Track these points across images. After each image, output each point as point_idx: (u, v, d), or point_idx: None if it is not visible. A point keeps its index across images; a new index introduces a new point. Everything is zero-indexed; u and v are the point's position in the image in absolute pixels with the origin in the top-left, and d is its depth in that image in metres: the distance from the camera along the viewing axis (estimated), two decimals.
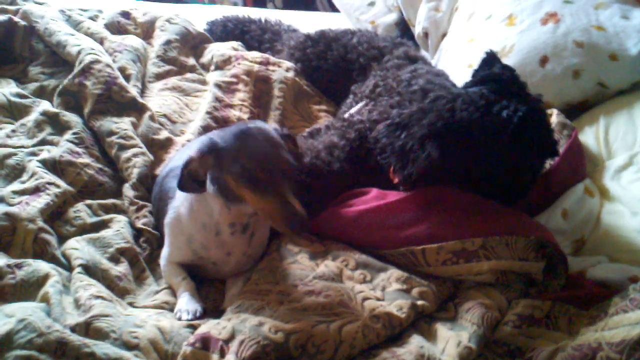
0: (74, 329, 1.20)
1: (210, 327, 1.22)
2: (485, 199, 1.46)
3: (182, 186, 1.32)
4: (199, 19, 2.54)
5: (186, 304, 1.37)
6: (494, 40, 1.94)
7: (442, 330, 1.31)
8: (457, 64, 2.06)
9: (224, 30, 2.42)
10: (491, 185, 1.45)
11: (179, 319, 1.34)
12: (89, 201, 1.64)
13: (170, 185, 1.51)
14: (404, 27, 2.50)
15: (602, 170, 1.69)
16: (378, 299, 1.33)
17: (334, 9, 3.40)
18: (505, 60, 1.84)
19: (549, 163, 1.60)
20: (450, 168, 1.44)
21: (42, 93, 2.03)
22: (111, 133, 1.79)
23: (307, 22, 2.49)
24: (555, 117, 1.73)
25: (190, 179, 1.32)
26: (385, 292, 1.36)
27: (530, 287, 1.41)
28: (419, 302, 1.34)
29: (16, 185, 1.60)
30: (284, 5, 3.72)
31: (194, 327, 1.28)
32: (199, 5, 3.23)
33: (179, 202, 1.44)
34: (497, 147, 1.39)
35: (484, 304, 1.33)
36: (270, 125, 1.32)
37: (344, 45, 2.12)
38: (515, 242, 1.37)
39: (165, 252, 1.50)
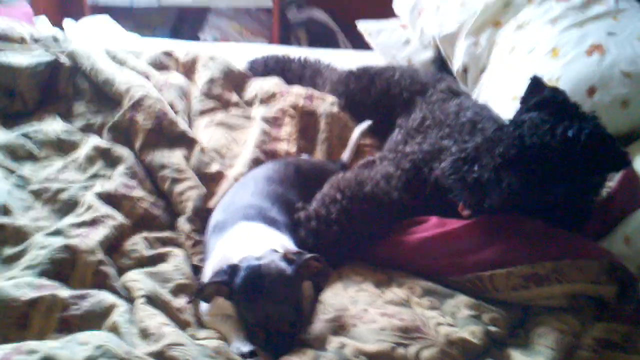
0: None
1: (293, 355, 1.19)
2: (550, 224, 1.45)
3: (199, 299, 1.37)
4: (233, 58, 2.57)
5: (242, 340, 1.34)
6: (537, 72, 1.95)
7: (517, 356, 1.28)
8: (500, 96, 2.07)
9: (265, 69, 2.44)
10: (562, 209, 1.44)
11: (240, 353, 1.30)
12: (145, 234, 1.63)
13: (210, 243, 1.55)
14: (440, 64, 2.52)
15: None
16: (450, 325, 1.31)
17: (355, 46, 3.47)
18: None
19: (607, 188, 1.59)
20: (527, 196, 1.42)
21: (88, 130, 2.04)
22: (163, 167, 1.79)
23: (333, 60, 2.52)
24: None
25: (203, 300, 1.38)
26: (456, 318, 1.34)
27: (603, 312, 1.37)
28: (492, 329, 1.32)
29: (73, 219, 1.59)
30: (309, 44, 3.78)
31: None
32: (228, 44, 3.28)
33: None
34: (570, 168, 1.38)
35: (558, 329, 1.30)
36: (281, 263, 1.32)
37: (386, 80, 2.14)
38: (588, 265, 1.35)
39: (204, 306, 1.46)
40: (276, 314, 1.29)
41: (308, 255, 1.35)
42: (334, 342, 1.20)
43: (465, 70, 2.36)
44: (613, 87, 1.85)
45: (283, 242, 1.45)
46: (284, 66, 2.45)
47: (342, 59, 2.62)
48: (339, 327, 1.28)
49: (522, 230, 1.44)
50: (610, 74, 1.87)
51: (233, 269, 1.32)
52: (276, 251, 1.36)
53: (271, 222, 1.52)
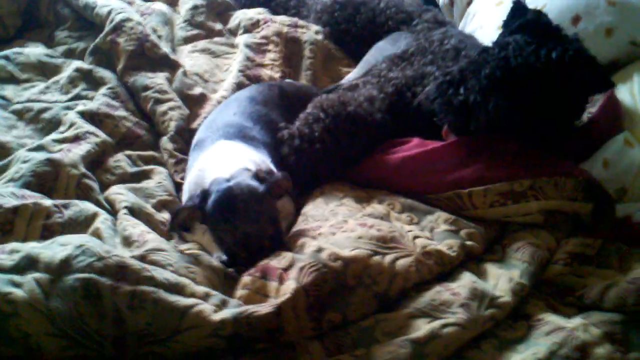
0: None
1: (271, 259, 1.22)
2: (530, 145, 1.47)
3: (171, 228, 1.35)
4: None
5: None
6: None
7: (492, 269, 1.31)
8: (485, 27, 2.06)
9: (251, 1, 2.41)
10: (544, 130, 1.45)
11: (222, 261, 1.33)
12: (128, 152, 1.64)
13: (190, 160, 1.57)
14: None
15: (639, 123, 1.69)
16: (428, 238, 1.33)
17: None
18: None
19: (587, 113, 1.61)
20: (513, 117, 1.43)
21: (70, 55, 2.05)
22: (146, 88, 1.79)
23: None
24: None
25: (179, 226, 1.35)
26: (433, 232, 1.36)
27: (578, 229, 1.40)
28: (468, 243, 1.34)
29: (55, 135, 1.60)
30: None
31: None
32: None
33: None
34: (554, 88, 1.39)
35: (534, 244, 1.33)
36: (252, 182, 1.32)
37: (372, 9, 2.13)
38: (564, 182, 1.37)
39: None
40: (254, 231, 1.29)
41: (279, 174, 1.36)
42: (312, 245, 1.22)
43: (451, 2, 2.35)
44: (598, 15, 1.85)
45: (258, 161, 1.46)
46: None
47: None
48: (318, 234, 1.30)
49: (501, 150, 1.45)
50: (595, 2, 1.86)
51: (204, 193, 1.32)
52: (248, 170, 1.35)
53: (251, 140, 1.53)
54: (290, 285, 1.12)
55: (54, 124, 1.67)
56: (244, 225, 1.28)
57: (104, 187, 1.52)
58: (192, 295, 1.12)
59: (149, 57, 1.88)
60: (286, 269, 1.17)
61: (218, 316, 1.07)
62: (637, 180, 1.57)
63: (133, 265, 1.10)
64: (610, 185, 1.56)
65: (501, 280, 1.27)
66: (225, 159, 1.42)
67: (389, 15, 2.08)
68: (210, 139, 1.52)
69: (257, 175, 1.34)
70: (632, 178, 1.58)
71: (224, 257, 1.32)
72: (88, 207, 1.36)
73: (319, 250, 1.20)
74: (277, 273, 1.17)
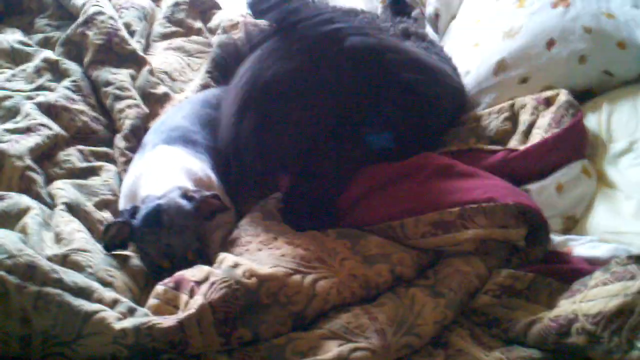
0: (50, 259, 1.19)
1: (190, 270, 1.22)
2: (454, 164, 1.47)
3: (107, 247, 1.34)
4: None
5: None
6: (502, 20, 1.92)
7: (420, 295, 1.28)
8: (462, 43, 2.04)
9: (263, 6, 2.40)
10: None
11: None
12: (80, 146, 1.64)
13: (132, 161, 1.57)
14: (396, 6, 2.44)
15: (602, 154, 1.66)
16: (356, 261, 1.31)
17: None
18: (512, 41, 1.84)
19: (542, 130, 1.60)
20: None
21: (46, 44, 2.07)
22: (108, 83, 1.80)
23: None
24: (563, 96, 1.69)
25: (112, 243, 1.34)
26: (364, 257, 1.34)
27: (513, 254, 1.38)
28: (398, 268, 1.32)
29: (9, 125, 1.61)
30: None
31: None
32: None
33: None
34: None
35: (462, 271, 1.31)
36: (180, 199, 1.33)
37: None
38: (493, 209, 1.33)
39: None
40: (178, 243, 1.30)
41: (207, 193, 1.36)
42: (229, 261, 1.22)
43: (437, 16, 2.32)
44: (572, 42, 1.81)
45: (196, 169, 1.47)
46: (282, 2, 2.41)
47: None
48: (246, 250, 1.29)
49: (429, 180, 1.44)
50: (571, 28, 1.82)
51: (134, 209, 1.33)
52: (179, 188, 1.36)
53: (193, 145, 1.52)
54: (197, 301, 1.12)
55: (13, 113, 1.68)
56: (168, 237, 1.29)
57: (51, 180, 1.53)
58: (99, 301, 1.12)
59: (116, 52, 1.89)
60: (199, 283, 1.17)
61: (120, 325, 1.07)
62: (587, 212, 1.55)
63: (42, 266, 1.10)
64: (561, 211, 1.54)
65: (426, 307, 1.24)
66: (160, 171, 1.43)
67: None
68: (152, 143, 1.52)
69: (185, 194, 1.35)
70: (583, 208, 1.56)
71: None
72: (22, 200, 1.37)
73: (235, 266, 1.19)
74: (189, 286, 1.17)
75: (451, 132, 1.76)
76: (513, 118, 1.72)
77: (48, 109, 1.67)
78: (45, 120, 1.63)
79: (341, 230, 1.41)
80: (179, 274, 1.21)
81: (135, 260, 1.33)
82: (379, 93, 1.56)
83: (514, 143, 1.65)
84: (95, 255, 1.25)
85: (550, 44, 1.83)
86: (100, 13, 1.94)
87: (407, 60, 1.69)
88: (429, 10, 2.35)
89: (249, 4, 2.41)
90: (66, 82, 1.79)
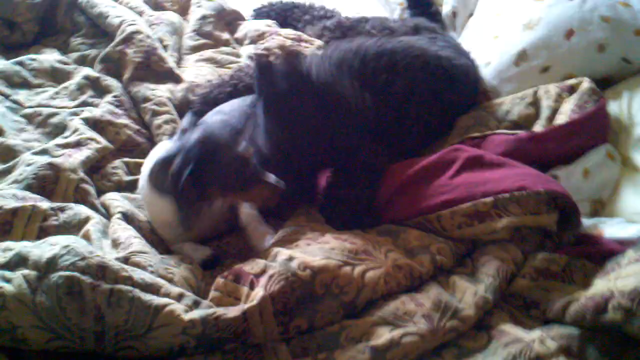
0: None
1: (246, 263, 1.30)
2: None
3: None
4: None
5: (194, 250, 1.47)
6: (520, 13, 1.98)
7: (460, 282, 1.35)
8: (482, 36, 2.10)
9: (269, 17, 2.48)
10: None
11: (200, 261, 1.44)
12: (126, 159, 1.73)
13: None
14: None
15: (625, 140, 1.72)
16: (400, 254, 1.39)
17: None
18: (532, 33, 1.90)
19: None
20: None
21: (83, 62, 2.15)
22: (146, 99, 1.88)
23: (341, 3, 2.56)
24: (586, 84, 1.75)
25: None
26: (406, 249, 1.41)
27: (546, 239, 1.43)
28: (438, 257, 1.39)
29: (59, 140, 1.70)
30: None
31: None
32: None
33: None
34: None
35: (500, 257, 1.37)
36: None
37: (358, 32, 2.19)
38: (525, 197, 1.39)
39: None
40: (240, 166, 1.42)
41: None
42: (284, 254, 1.29)
43: (454, 14, 2.39)
44: (591, 31, 1.87)
45: None
46: (287, 14, 2.50)
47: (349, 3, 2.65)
48: (295, 245, 1.37)
49: (460, 172, 1.50)
50: (589, 18, 1.88)
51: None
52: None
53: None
54: (258, 293, 1.20)
55: (60, 128, 1.78)
56: (233, 169, 1.42)
57: (100, 193, 1.62)
58: (167, 295, 1.20)
59: (154, 69, 1.98)
60: (258, 276, 1.25)
61: (188, 316, 1.15)
62: (614, 195, 1.60)
63: (113, 265, 1.18)
64: (588, 196, 1.60)
65: (467, 293, 1.31)
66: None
67: (373, 34, 2.13)
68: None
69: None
70: (610, 192, 1.61)
71: (209, 253, 1.42)
72: (82, 210, 1.45)
73: (290, 259, 1.27)
74: (249, 278, 1.24)
75: (472, 116, 1.82)
76: (536, 104, 1.78)
77: (94, 124, 1.77)
78: (93, 134, 1.72)
79: (380, 228, 1.49)
80: (237, 267, 1.29)
81: (187, 261, 1.41)
82: (412, 92, 1.67)
83: (537, 128, 1.71)
84: (154, 256, 1.33)
85: (570, 34, 1.89)
86: (138, 32, 2.03)
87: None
88: (446, 9, 2.42)
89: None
90: (109, 98, 1.88)
